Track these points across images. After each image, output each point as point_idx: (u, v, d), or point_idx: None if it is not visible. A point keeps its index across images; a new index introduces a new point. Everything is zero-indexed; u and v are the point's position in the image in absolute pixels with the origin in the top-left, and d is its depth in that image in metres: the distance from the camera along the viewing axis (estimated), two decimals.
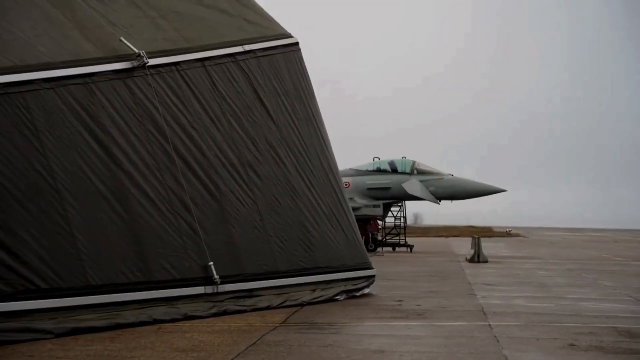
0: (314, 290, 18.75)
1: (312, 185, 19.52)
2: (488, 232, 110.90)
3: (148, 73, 16.65)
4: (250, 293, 17.33)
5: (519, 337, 14.05)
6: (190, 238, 16.42)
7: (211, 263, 16.50)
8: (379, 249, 47.80)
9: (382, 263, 35.63)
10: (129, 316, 14.91)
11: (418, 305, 18.57)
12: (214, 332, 14.33)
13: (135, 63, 16.52)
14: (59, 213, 14.56)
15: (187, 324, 15.28)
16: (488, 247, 54.84)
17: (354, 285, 20.00)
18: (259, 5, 20.76)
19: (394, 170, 47.66)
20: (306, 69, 20.70)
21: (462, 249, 48.33)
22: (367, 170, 48.15)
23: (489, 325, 15.40)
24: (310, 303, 18.22)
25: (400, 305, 18.56)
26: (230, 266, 17.01)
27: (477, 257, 37.41)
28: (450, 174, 47.66)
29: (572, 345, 13.20)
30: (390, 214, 49.89)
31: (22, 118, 14.57)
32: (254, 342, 13.17)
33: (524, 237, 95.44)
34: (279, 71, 19.70)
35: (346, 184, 46.59)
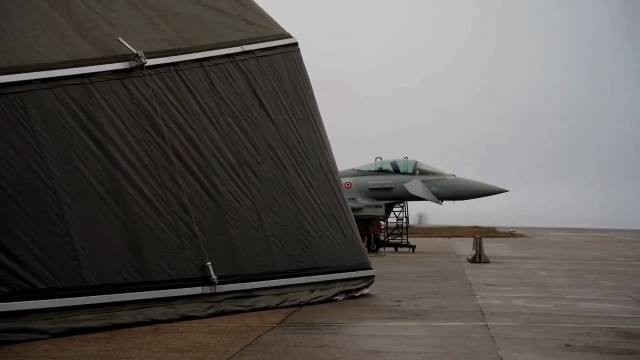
0: (312, 291, 18.73)
1: (311, 186, 19.51)
2: (492, 232, 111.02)
3: (146, 73, 16.65)
4: (248, 293, 17.31)
5: (515, 337, 14.03)
6: (188, 238, 16.42)
7: (209, 263, 16.49)
8: (381, 249, 47.79)
9: (383, 263, 35.66)
10: (126, 316, 14.90)
11: (416, 305, 18.56)
12: (210, 332, 14.33)
13: (134, 63, 16.50)
14: (55, 213, 14.56)
15: (185, 324, 15.27)
16: (491, 247, 54.91)
17: (353, 285, 19.99)
18: (258, 6, 20.74)
19: (396, 171, 47.69)
20: (305, 70, 20.68)
21: (464, 250, 48.32)
22: (369, 171, 48.18)
23: (487, 325, 15.38)
24: (308, 303, 18.21)
25: (398, 305, 18.55)
26: (228, 266, 17.00)
27: (478, 258, 37.39)
28: (452, 174, 47.68)
29: (568, 345, 13.19)
30: (392, 214, 49.86)
31: (19, 118, 14.57)
32: (250, 343, 13.16)
33: (527, 237, 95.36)
34: (278, 71, 19.69)
35: (348, 184, 46.77)
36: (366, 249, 45.05)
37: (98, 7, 17.21)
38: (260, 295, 17.51)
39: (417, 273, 29.73)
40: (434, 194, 46.94)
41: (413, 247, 48.90)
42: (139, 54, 16.50)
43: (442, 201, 47.56)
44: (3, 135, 14.36)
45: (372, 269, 20.84)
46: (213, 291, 16.55)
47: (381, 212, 47.66)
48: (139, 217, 15.77)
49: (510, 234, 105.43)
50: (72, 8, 16.76)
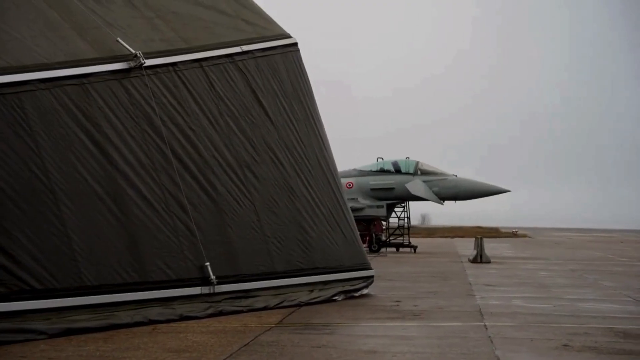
0: (311, 291, 18.73)
1: (310, 186, 19.51)
2: (495, 232, 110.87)
3: (145, 74, 16.66)
4: (247, 294, 17.31)
5: (513, 337, 14.03)
6: (186, 238, 16.43)
7: (207, 263, 16.50)
8: (383, 250, 47.78)
9: (384, 263, 35.63)
10: (124, 317, 14.91)
11: (415, 305, 18.55)
12: (208, 332, 14.33)
13: (132, 64, 16.52)
14: (53, 213, 14.57)
15: (183, 324, 15.28)
16: (493, 247, 54.85)
17: (353, 285, 19.98)
18: (257, 6, 20.73)
19: (398, 171, 47.64)
20: (305, 70, 20.67)
21: (466, 250, 48.24)
22: (371, 171, 48.13)
23: (485, 325, 15.38)
24: (307, 304, 18.21)
25: (397, 305, 18.54)
26: (227, 267, 17.01)
27: (479, 258, 37.36)
28: (453, 175, 47.63)
29: (565, 345, 13.18)
30: (394, 214, 49.83)
31: (17, 118, 14.59)
32: (247, 343, 13.17)
33: (530, 237, 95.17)
34: (277, 72, 19.68)
35: (350, 185, 46.76)
36: (367, 249, 45.45)
37: (97, 8, 17.23)
38: (259, 296, 17.51)
39: (418, 273, 29.70)
40: (436, 194, 46.88)
41: (414, 247, 48.84)
42: (138, 55, 16.51)
43: (443, 201, 47.51)
44: (1, 135, 14.40)
45: (371, 269, 20.83)
46: (211, 291, 16.55)
47: (382, 212, 47.61)
48: (137, 217, 15.78)
49: (513, 234, 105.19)
50: (71, 8, 16.77)
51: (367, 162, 49.00)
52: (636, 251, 55.65)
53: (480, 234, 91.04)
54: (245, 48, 19.14)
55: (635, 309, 18.81)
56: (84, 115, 15.54)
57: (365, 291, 20.31)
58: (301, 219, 18.99)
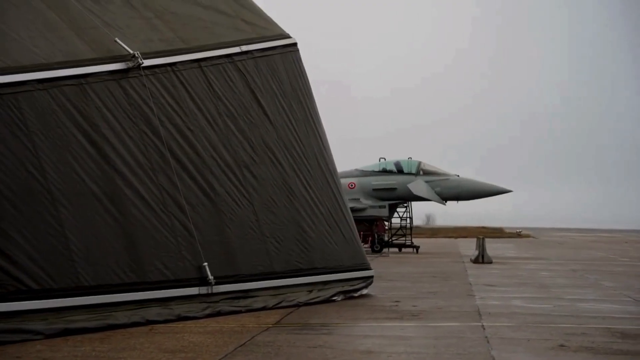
0: (310, 291, 18.71)
1: (309, 186, 19.49)
2: (499, 233, 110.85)
3: (143, 74, 16.64)
4: (245, 294, 17.30)
5: (510, 337, 14.01)
6: (184, 238, 16.41)
7: (205, 264, 16.48)
8: (385, 250, 47.77)
9: (385, 264, 35.65)
10: (122, 317, 14.90)
11: (414, 306, 18.54)
12: (205, 332, 14.33)
13: (130, 64, 16.50)
14: (50, 214, 14.57)
15: (180, 324, 15.27)
16: (496, 247, 54.88)
17: (352, 286, 19.96)
18: (257, 6, 20.72)
19: (400, 171, 47.63)
20: (304, 70, 20.64)
21: (468, 250, 48.21)
22: (373, 171, 48.12)
23: (482, 326, 15.36)
24: (306, 304, 18.20)
25: (396, 306, 18.52)
26: (225, 267, 16.99)
27: (481, 258, 37.33)
28: (456, 175, 47.61)
29: (562, 346, 13.16)
30: (396, 214, 49.80)
31: (14, 119, 14.58)
32: (243, 343, 13.16)
33: (533, 238, 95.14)
34: (276, 72, 19.66)
35: (352, 185, 46.77)
36: (369, 249, 45.49)
37: (95, 8, 17.22)
38: (258, 296, 17.50)
39: (419, 273, 29.69)
40: (438, 194, 46.87)
41: (417, 247, 48.82)
42: (136, 55, 16.50)
43: (445, 201, 47.50)
44: None
45: (371, 269, 20.81)
46: (210, 292, 16.54)
47: (385, 212, 47.60)
48: (135, 218, 15.77)
49: (517, 235, 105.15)
50: (69, 9, 16.77)
51: (366, 162, 49.07)
52: (638, 251, 55.60)
53: (484, 234, 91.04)
54: (245, 48, 19.11)
55: (634, 309, 18.79)
56: (81, 115, 15.53)
57: (364, 291, 20.29)
58: (300, 219, 18.97)
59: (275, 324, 15.44)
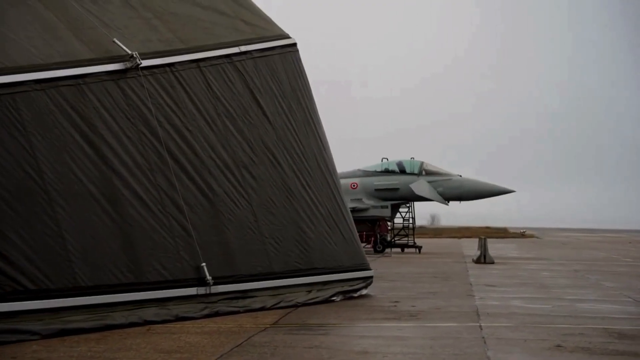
0: (309, 291, 18.70)
1: (309, 187, 19.48)
2: (502, 233, 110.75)
3: (141, 74, 16.64)
4: (244, 294, 17.28)
5: (507, 338, 13.99)
6: (182, 239, 16.41)
7: (204, 264, 16.47)
8: (387, 250, 47.74)
9: (386, 264, 35.66)
10: (119, 317, 14.89)
11: (413, 306, 18.52)
12: (202, 333, 14.32)
13: (129, 64, 16.49)
14: (47, 214, 14.56)
15: (178, 325, 15.27)
16: (499, 248, 54.91)
17: (351, 286, 19.94)
18: (256, 6, 20.73)
19: (402, 171, 47.60)
20: (304, 70, 20.64)
21: (471, 250, 48.12)
22: (375, 171, 48.10)
23: (480, 326, 15.34)
24: (305, 304, 18.18)
25: (395, 306, 18.51)
26: (223, 267, 16.99)
27: (483, 258, 37.32)
28: (458, 175, 47.58)
29: (559, 346, 13.15)
30: (399, 214, 49.79)
31: (11, 119, 14.58)
32: (240, 344, 13.16)
33: (537, 238, 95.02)
34: (276, 72, 19.66)
35: (354, 185, 46.77)
36: (372, 249, 45.48)
37: (94, 8, 17.22)
38: (256, 296, 17.49)
39: (420, 274, 29.67)
40: (440, 194, 46.85)
41: (419, 247, 48.79)
42: (134, 55, 16.49)
43: (448, 202, 47.49)
44: None
45: (370, 269, 20.79)
46: (208, 292, 16.53)
47: (387, 212, 47.59)
48: (132, 218, 15.76)
49: (521, 235, 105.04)
50: (68, 9, 16.77)
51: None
52: None
53: (488, 234, 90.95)
54: (244, 49, 19.12)
55: (634, 309, 18.76)
56: (79, 115, 15.54)
57: (364, 292, 20.28)
58: (299, 219, 18.96)
59: (273, 324, 15.44)
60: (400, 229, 50.61)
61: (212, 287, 16.55)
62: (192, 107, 17.49)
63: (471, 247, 53.34)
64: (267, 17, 20.71)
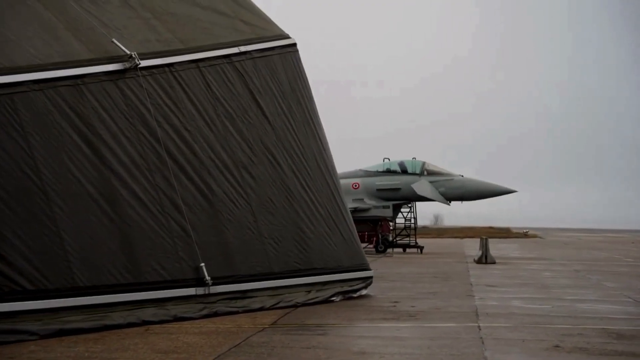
0: (309, 292, 18.68)
1: (308, 187, 19.46)
2: (505, 233, 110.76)
3: (140, 74, 16.63)
4: (242, 294, 17.27)
5: (505, 338, 13.98)
6: (181, 239, 16.40)
7: (203, 264, 16.46)
8: (389, 250, 47.74)
9: (388, 264, 35.66)
10: (117, 318, 14.88)
11: (412, 306, 18.51)
12: (200, 333, 14.31)
13: (127, 65, 16.48)
14: (46, 214, 14.55)
15: (176, 325, 15.25)
16: (501, 248, 54.95)
17: (351, 286, 19.93)
18: (256, 6, 20.72)
19: (404, 171, 47.64)
20: (304, 70, 20.62)
21: (473, 250, 48.11)
22: (377, 171, 48.15)
23: (478, 326, 15.33)
24: (304, 304, 18.17)
25: (394, 306, 18.49)
26: (222, 267, 16.98)
27: (484, 259, 37.31)
28: (460, 175, 47.58)
29: (557, 346, 13.13)
30: (400, 215, 49.79)
31: (9, 119, 14.57)
32: (237, 344, 13.14)
33: (540, 238, 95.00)
34: (275, 72, 19.64)
35: (356, 185, 46.79)
36: (374, 249, 45.50)
37: (92, 8, 17.22)
38: (255, 297, 17.48)
39: (421, 274, 29.66)
40: (442, 194, 46.87)
41: (421, 247, 48.78)
42: (133, 55, 16.48)
43: (450, 202, 47.49)
44: None
45: (370, 269, 20.77)
46: (207, 292, 16.52)
47: (389, 212, 47.62)
48: (131, 218, 15.75)
49: (523, 235, 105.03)
50: (66, 9, 16.77)
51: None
52: None
53: (491, 234, 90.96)
54: (243, 49, 19.10)
55: (633, 309, 18.75)
56: (77, 116, 15.52)
57: (364, 292, 20.26)
58: (299, 219, 18.95)
59: (271, 324, 15.43)
60: (402, 229, 50.60)
61: (211, 287, 16.53)
62: (191, 107, 17.48)
63: (473, 248, 53.32)
64: (267, 17, 20.70)
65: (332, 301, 19.01)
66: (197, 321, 15.77)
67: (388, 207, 47.52)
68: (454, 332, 14.59)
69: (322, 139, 20.56)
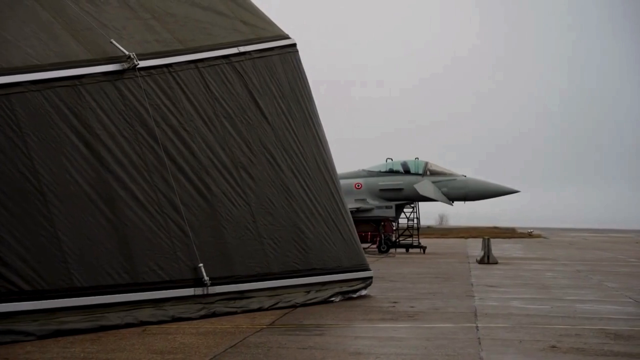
0: (308, 292, 18.67)
1: (308, 187, 19.45)
2: (510, 233, 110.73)
3: (138, 75, 16.64)
4: (241, 295, 17.27)
5: (502, 338, 13.95)
6: (179, 239, 16.40)
7: (201, 265, 16.47)
8: (392, 250, 47.72)
9: (389, 264, 35.65)
10: (114, 318, 14.88)
11: (412, 307, 18.49)
12: (198, 334, 14.31)
13: (126, 65, 16.48)
14: (43, 215, 14.56)
15: (174, 325, 15.25)
16: (505, 248, 54.93)
17: (351, 286, 19.91)
18: (256, 7, 20.71)
19: (407, 171, 47.63)
20: (304, 71, 20.61)
21: (476, 251, 48.03)
22: (380, 172, 48.14)
23: (476, 327, 15.31)
24: (303, 305, 18.16)
25: (393, 307, 18.47)
26: (221, 268, 16.98)
27: (486, 259, 37.28)
28: (463, 175, 47.54)
29: (553, 347, 13.11)
30: (403, 215, 49.76)
31: (6, 120, 14.58)
32: (234, 344, 13.14)
33: (544, 238, 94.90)
34: (275, 73, 19.63)
35: (358, 185, 46.79)
36: (377, 249, 45.51)
37: (91, 9, 17.22)
38: (254, 297, 17.47)
39: (422, 274, 29.63)
40: (445, 194, 46.84)
41: (424, 248, 48.75)
42: (131, 56, 16.48)
43: (452, 202, 47.45)
44: None
45: (370, 270, 20.75)
46: (205, 292, 16.53)
47: (391, 213, 47.60)
48: (128, 219, 15.75)
49: (528, 235, 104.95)
50: (65, 9, 16.76)
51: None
52: None
53: (496, 235, 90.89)
54: (243, 49, 19.09)
55: (633, 310, 18.70)
56: (75, 116, 15.53)
57: (363, 292, 20.25)
58: (298, 220, 18.94)
59: (269, 325, 15.41)
60: (405, 229, 50.59)
61: (209, 287, 16.55)
62: (190, 107, 17.48)
63: (477, 248, 53.23)
64: (267, 17, 20.69)
65: (332, 301, 19.00)
66: (195, 321, 15.78)
67: (391, 207, 47.50)
68: (451, 333, 14.57)
69: (321, 139, 20.54)
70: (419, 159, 48.05)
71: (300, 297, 18.36)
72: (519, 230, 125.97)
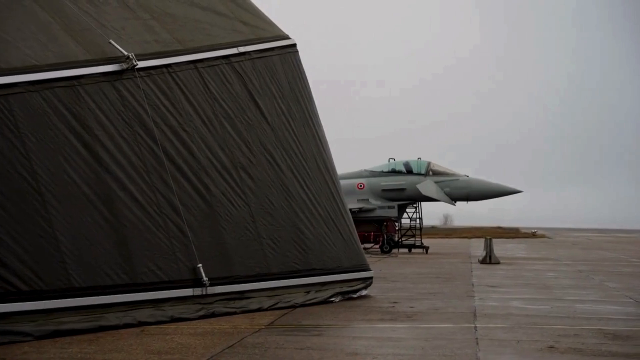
0: (307, 292, 18.66)
1: (307, 188, 19.44)
2: (514, 233, 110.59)
3: (137, 75, 16.64)
4: (240, 295, 17.27)
5: (500, 339, 13.95)
6: (178, 240, 16.40)
7: (200, 265, 16.47)
8: (394, 250, 47.69)
9: (391, 264, 35.60)
10: (113, 318, 14.88)
11: (411, 307, 18.47)
12: (196, 334, 14.31)
13: (125, 65, 16.48)
14: (41, 215, 14.56)
15: (172, 326, 15.26)
16: (508, 248, 54.85)
17: (350, 287, 19.90)
18: (255, 7, 20.70)
19: (409, 172, 47.60)
20: (304, 71, 20.59)
21: (479, 251, 47.89)
22: (382, 172, 48.12)
23: (475, 327, 15.30)
24: (303, 305, 18.16)
25: (393, 307, 18.46)
26: (220, 268, 16.98)
27: (488, 259, 37.24)
28: (465, 175, 47.51)
29: (551, 347, 13.10)
30: (406, 215, 49.73)
31: (4, 120, 14.59)
32: (232, 345, 13.14)
33: (548, 238, 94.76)
34: (275, 73, 19.62)
35: (361, 185, 46.77)
36: (379, 249, 45.51)
37: (90, 9, 17.22)
38: (253, 297, 17.47)
39: (423, 274, 29.61)
40: (447, 194, 46.80)
41: (426, 248, 48.71)
42: (130, 56, 16.48)
43: (455, 202, 47.44)
44: None
45: (370, 270, 20.74)
46: (204, 293, 16.52)
47: (394, 213, 47.57)
48: (127, 219, 15.75)
49: (532, 235, 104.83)
50: (63, 10, 16.75)
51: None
52: None
53: (500, 235, 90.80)
54: (242, 49, 19.08)
55: (633, 310, 18.69)
56: (74, 117, 15.54)
57: (363, 292, 20.24)
58: (298, 220, 18.93)
59: (267, 325, 15.41)
60: (407, 229, 50.57)
61: (208, 288, 16.54)
62: (189, 107, 17.48)
63: (480, 248, 53.16)
64: (267, 17, 20.68)
65: (332, 302, 19.00)
66: (193, 322, 15.78)
67: (393, 207, 47.47)
68: (449, 333, 14.57)
69: (321, 139, 20.53)
70: (422, 159, 48.01)
71: (299, 298, 18.35)
72: (523, 230, 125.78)
